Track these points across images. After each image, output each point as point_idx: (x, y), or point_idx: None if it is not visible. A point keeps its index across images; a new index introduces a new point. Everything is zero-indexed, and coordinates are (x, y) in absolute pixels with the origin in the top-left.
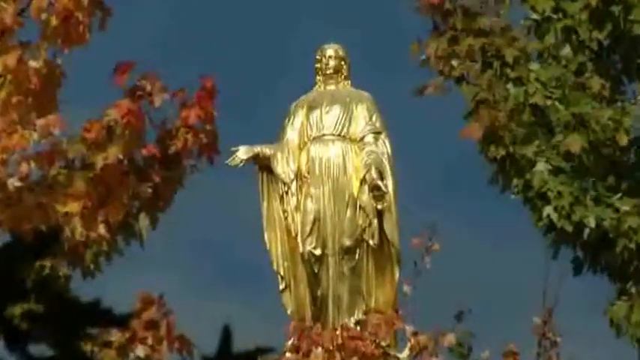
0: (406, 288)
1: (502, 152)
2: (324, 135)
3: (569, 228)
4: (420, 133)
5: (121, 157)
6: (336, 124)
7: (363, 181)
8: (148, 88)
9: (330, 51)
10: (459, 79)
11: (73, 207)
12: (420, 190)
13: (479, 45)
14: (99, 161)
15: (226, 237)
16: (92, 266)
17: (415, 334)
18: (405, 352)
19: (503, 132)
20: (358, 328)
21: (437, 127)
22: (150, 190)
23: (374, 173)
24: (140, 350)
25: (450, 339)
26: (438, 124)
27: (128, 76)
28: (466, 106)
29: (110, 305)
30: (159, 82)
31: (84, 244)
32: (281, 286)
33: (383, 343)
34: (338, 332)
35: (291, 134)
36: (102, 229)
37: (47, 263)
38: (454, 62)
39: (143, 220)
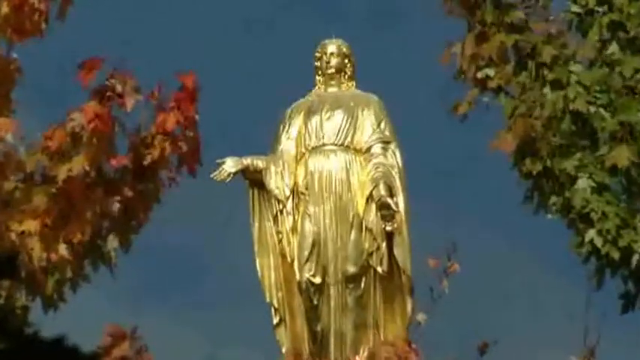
0: (421, 316)
1: (538, 167)
2: (324, 145)
3: (616, 255)
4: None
5: (87, 168)
6: (338, 133)
7: (369, 198)
8: (119, 88)
9: (331, 47)
10: (497, 91)
11: (31, 225)
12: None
13: (511, 42)
14: (62, 173)
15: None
16: (55, 295)
17: None
18: None
19: (539, 143)
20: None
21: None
22: (120, 207)
23: (382, 190)
24: None
25: None
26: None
27: (95, 75)
28: (504, 119)
29: (76, 342)
30: (131, 82)
31: (44, 269)
32: (275, 320)
33: None
34: None
35: (287, 144)
36: (64, 251)
37: (2, 292)
38: (490, 71)
39: (112, 242)
